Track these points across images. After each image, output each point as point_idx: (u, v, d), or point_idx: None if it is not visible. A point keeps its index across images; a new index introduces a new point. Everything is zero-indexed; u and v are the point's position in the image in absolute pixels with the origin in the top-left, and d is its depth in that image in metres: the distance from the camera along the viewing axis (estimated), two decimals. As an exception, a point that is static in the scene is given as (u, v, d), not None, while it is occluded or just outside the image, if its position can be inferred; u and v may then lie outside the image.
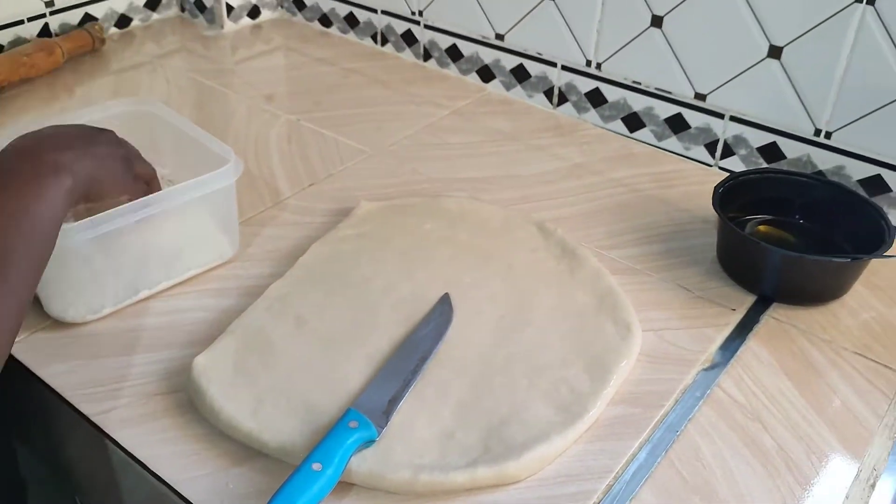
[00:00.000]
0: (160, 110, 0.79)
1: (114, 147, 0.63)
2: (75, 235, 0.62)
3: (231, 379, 0.60)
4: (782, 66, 0.85)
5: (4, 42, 1.09)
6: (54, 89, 1.07)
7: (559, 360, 0.64)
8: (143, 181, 0.66)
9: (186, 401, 0.61)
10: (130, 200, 0.65)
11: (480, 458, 0.56)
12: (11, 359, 0.65)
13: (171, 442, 0.58)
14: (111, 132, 0.64)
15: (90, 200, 0.61)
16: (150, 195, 0.66)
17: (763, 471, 0.58)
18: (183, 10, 1.30)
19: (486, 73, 1.11)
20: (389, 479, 0.54)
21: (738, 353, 0.68)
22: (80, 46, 1.13)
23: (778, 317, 0.72)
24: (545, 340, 0.66)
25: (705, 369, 0.66)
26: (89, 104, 1.03)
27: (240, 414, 0.58)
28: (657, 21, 0.92)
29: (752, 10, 0.85)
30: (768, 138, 0.89)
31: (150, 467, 0.56)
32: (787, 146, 0.88)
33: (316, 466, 0.51)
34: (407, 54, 1.19)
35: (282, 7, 1.32)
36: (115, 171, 0.62)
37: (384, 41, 1.21)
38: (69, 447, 0.70)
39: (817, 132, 0.86)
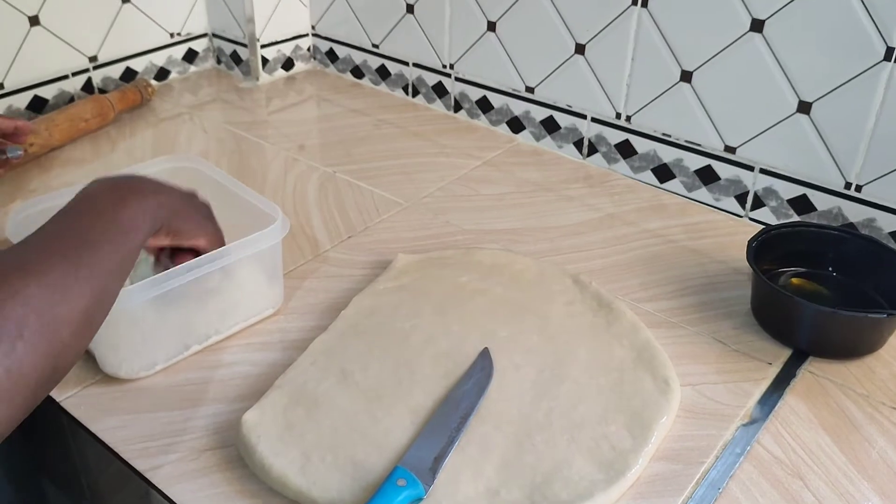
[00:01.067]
0: (203, 166, 0.82)
1: (199, 198, 0.67)
2: (131, 297, 0.64)
3: (279, 434, 0.62)
4: (811, 121, 0.87)
5: (49, 97, 1.13)
6: (97, 143, 1.10)
7: (599, 415, 0.65)
8: (219, 235, 0.70)
9: (236, 456, 0.62)
10: (208, 247, 0.68)
11: (526, 517, 0.56)
12: (62, 411, 0.67)
13: (221, 498, 0.59)
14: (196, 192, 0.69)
15: (172, 233, 0.63)
16: (203, 255, 0.68)
17: (806, 529, 0.58)
18: (219, 62, 1.34)
19: (516, 125, 1.13)
20: (437, 537, 0.55)
21: (777, 408, 0.69)
22: (130, 104, 1.16)
23: (814, 371, 0.73)
24: (584, 395, 0.67)
25: (744, 425, 0.67)
26: (133, 157, 1.06)
27: (289, 470, 0.59)
28: (686, 76, 0.94)
29: (781, 67, 0.86)
30: (798, 191, 0.91)
31: (202, 523, 0.57)
32: (817, 199, 0.90)
33: (367, 525, 0.52)
34: (438, 105, 1.21)
35: (315, 59, 1.36)
36: (197, 211, 0.66)
37: (415, 92, 1.24)
38: (116, 501, 0.71)
39: (847, 185, 0.87)
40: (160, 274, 0.65)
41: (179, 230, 0.64)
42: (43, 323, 0.46)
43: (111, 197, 0.57)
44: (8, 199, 0.96)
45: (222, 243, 0.69)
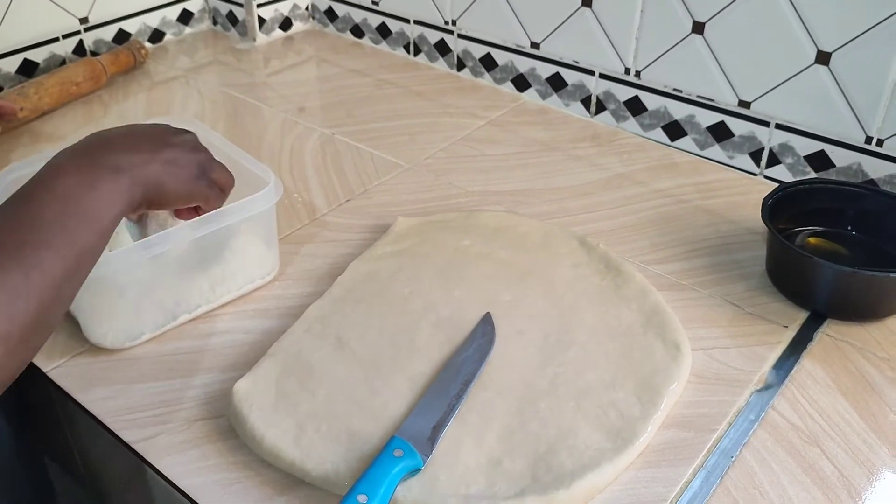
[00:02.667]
0: (199, 129, 0.78)
1: (188, 152, 0.59)
2: (113, 264, 0.62)
3: (272, 404, 0.59)
4: (831, 72, 0.82)
5: (40, 60, 1.10)
6: (90, 106, 1.07)
7: (606, 382, 0.62)
8: (219, 188, 0.63)
9: (228, 426, 0.60)
10: (202, 209, 0.63)
11: (529, 488, 0.54)
12: (50, 382, 0.65)
13: (212, 470, 0.57)
14: (191, 135, 0.62)
15: (155, 206, 0.58)
16: (189, 221, 0.64)
17: (823, 497, 0.56)
18: (215, 23, 1.30)
19: (521, 83, 1.09)
20: (436, 510, 0.53)
21: (793, 372, 0.66)
22: (123, 67, 1.13)
23: (832, 333, 0.70)
24: (591, 361, 0.64)
25: (759, 390, 0.64)
26: (125, 121, 1.03)
27: (282, 441, 0.57)
28: (698, 27, 0.90)
29: (798, 15, 0.82)
30: (816, 146, 0.87)
31: (192, 496, 0.55)
32: (836, 154, 0.86)
33: (362, 498, 0.50)
34: (440, 64, 1.17)
35: (313, 18, 1.31)
36: (182, 178, 0.58)
37: (417, 51, 1.20)
38: (108, 473, 0.69)
39: (868, 139, 0.83)
40: (143, 239, 0.62)
41: (163, 201, 0.58)
42: None
43: (77, 178, 0.51)
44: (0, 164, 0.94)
45: (222, 199, 0.63)
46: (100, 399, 0.63)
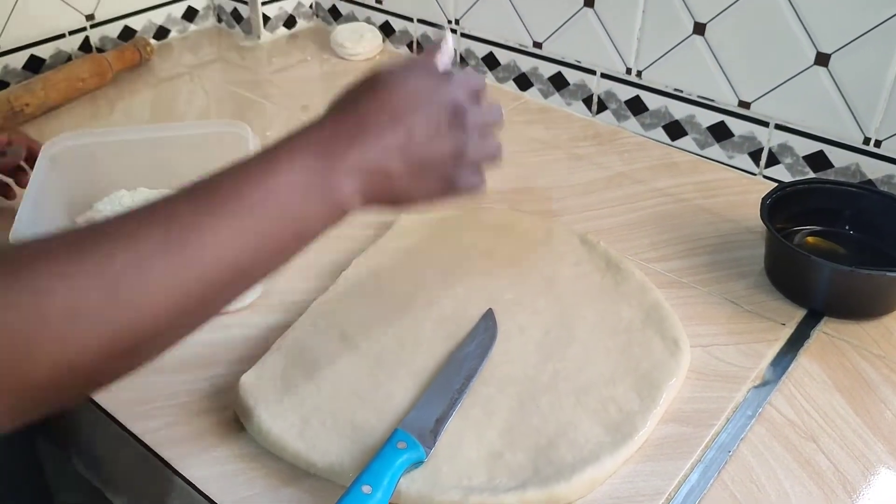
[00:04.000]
0: (245, 132, 0.81)
1: (439, 114, 0.47)
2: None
3: (278, 397, 0.60)
4: (830, 74, 0.83)
5: (46, 56, 1.11)
6: (95, 103, 1.08)
7: (606, 377, 0.63)
8: (481, 172, 0.52)
9: (234, 419, 0.61)
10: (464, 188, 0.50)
11: (530, 480, 0.55)
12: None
13: (218, 461, 0.58)
14: (461, 91, 0.49)
15: (391, 204, 0.48)
16: None
17: (819, 492, 0.57)
18: (220, 20, 1.31)
19: (523, 82, 1.10)
20: (438, 502, 0.54)
21: (790, 369, 0.67)
22: (128, 64, 1.14)
23: (829, 331, 0.71)
24: (591, 357, 0.65)
25: (756, 386, 0.65)
26: (131, 118, 1.04)
27: (288, 433, 0.57)
28: (699, 28, 0.91)
29: (798, 16, 0.83)
30: (815, 147, 0.88)
31: (199, 487, 0.56)
32: (834, 155, 0.87)
33: (366, 489, 0.51)
34: (443, 63, 1.18)
35: (317, 16, 1.32)
36: (431, 186, 0.48)
37: (420, 50, 1.20)
38: (114, 464, 0.70)
39: (866, 140, 0.84)
40: None
41: (395, 203, 0.48)
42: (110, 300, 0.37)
43: (294, 180, 0.42)
44: (5, 161, 0.94)
45: (481, 185, 0.53)
46: (108, 391, 0.64)
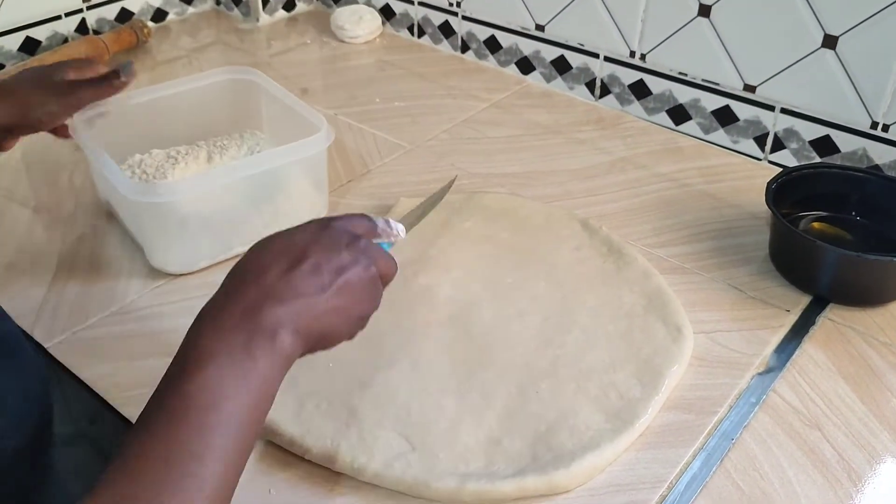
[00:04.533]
0: (259, 78, 0.84)
1: (359, 274, 0.48)
2: (178, 191, 0.67)
3: (272, 382, 0.59)
4: (837, 57, 0.82)
5: (42, 38, 1.09)
6: (92, 85, 1.06)
7: (607, 363, 0.62)
8: (384, 284, 0.52)
9: (227, 404, 0.60)
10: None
11: (528, 467, 0.54)
12: (54, 361, 0.65)
13: (212, 446, 0.57)
14: (361, 243, 0.49)
15: (320, 349, 0.48)
16: (252, 157, 0.70)
17: (823, 481, 0.56)
18: (218, 3, 1.30)
19: (525, 65, 1.08)
20: (434, 488, 0.53)
21: (794, 356, 0.66)
22: (125, 46, 1.12)
23: (834, 318, 0.70)
24: (592, 343, 0.64)
25: (760, 374, 0.64)
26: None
27: (282, 417, 0.56)
28: (705, 10, 0.89)
29: (806, -3, 0.81)
30: (821, 131, 0.86)
31: (192, 472, 0.55)
32: (841, 139, 0.85)
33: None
34: (444, 46, 1.17)
35: (317, -1, 1.31)
36: (354, 315, 0.49)
37: (421, 33, 1.19)
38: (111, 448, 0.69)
39: (874, 125, 0.82)
40: (203, 172, 0.70)
41: (328, 347, 0.48)
42: None
43: (229, 367, 0.42)
44: None
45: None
46: (101, 376, 0.63)
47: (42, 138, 0.94)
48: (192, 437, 0.40)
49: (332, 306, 0.46)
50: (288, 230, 0.49)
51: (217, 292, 0.46)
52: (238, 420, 0.41)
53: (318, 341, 0.47)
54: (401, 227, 0.55)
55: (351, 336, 0.50)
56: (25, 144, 0.93)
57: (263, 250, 0.47)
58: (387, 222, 0.54)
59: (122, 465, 0.39)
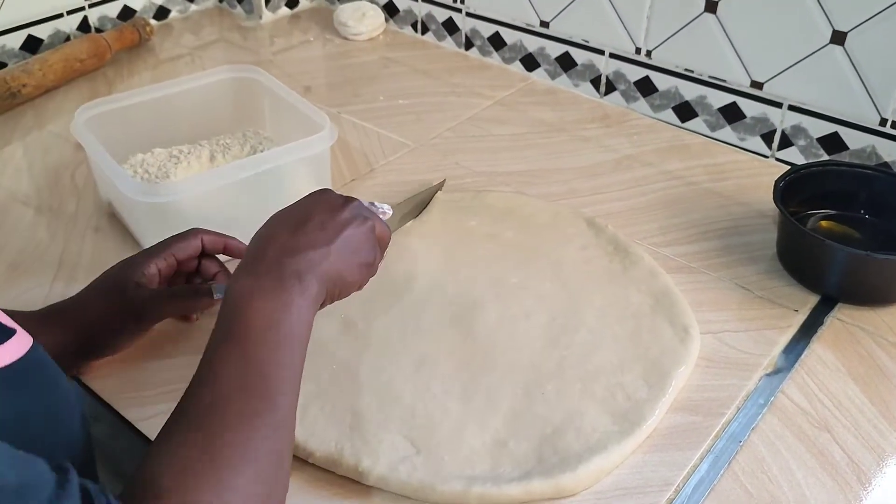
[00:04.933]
0: (262, 76, 0.84)
1: (359, 226, 0.54)
2: (180, 190, 0.66)
3: (276, 384, 0.59)
4: (846, 53, 0.81)
5: (44, 36, 1.09)
6: (94, 83, 1.06)
7: (614, 364, 0.62)
8: (381, 248, 0.57)
9: (230, 406, 0.59)
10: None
11: (535, 470, 0.53)
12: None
13: (215, 449, 0.56)
14: (355, 203, 0.55)
15: (338, 298, 0.54)
16: (254, 156, 0.69)
17: (833, 483, 0.55)
18: (221, 0, 1.29)
19: (530, 62, 1.08)
20: (440, 491, 0.52)
21: (803, 357, 0.65)
22: (128, 44, 1.12)
23: (843, 318, 0.69)
24: (598, 343, 0.64)
25: (768, 374, 0.63)
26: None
27: (285, 421, 0.56)
28: (711, 6, 0.88)
29: (814, -7, 0.81)
30: (830, 128, 0.85)
31: (195, 476, 0.55)
32: (849, 136, 0.84)
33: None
34: (448, 43, 1.16)
35: (320, -4, 1.30)
36: (360, 261, 0.54)
37: (425, 30, 1.18)
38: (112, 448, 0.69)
39: (883, 122, 0.81)
40: (206, 171, 0.68)
41: (344, 293, 0.54)
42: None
43: (272, 302, 0.47)
44: (3, 143, 0.93)
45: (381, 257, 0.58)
46: (102, 378, 0.62)
47: (42, 136, 0.94)
48: (258, 352, 0.46)
49: (340, 255, 0.52)
50: (289, 205, 0.55)
51: (240, 262, 0.52)
52: (290, 340, 0.47)
53: (335, 286, 0.52)
54: (386, 206, 0.61)
55: (361, 284, 0.55)
56: (27, 143, 0.93)
57: (273, 221, 0.54)
58: (371, 203, 0.59)
59: (202, 383, 0.45)
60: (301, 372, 0.48)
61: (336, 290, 0.52)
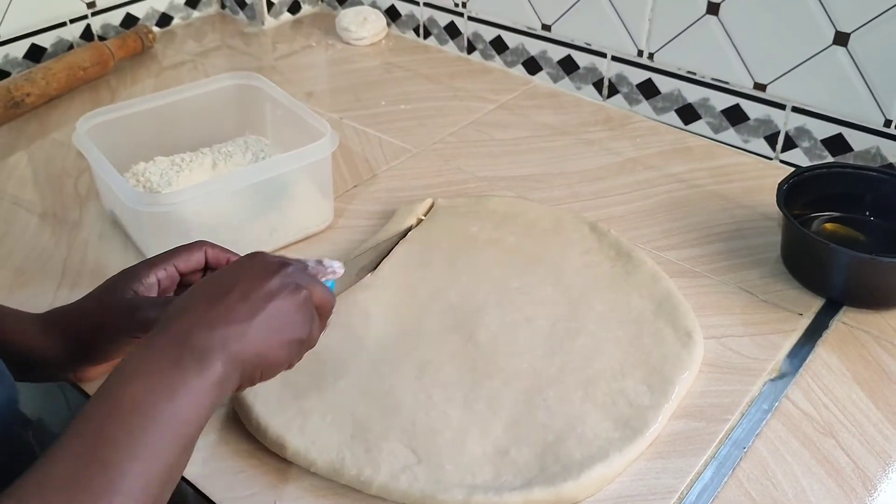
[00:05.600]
0: (263, 84, 0.84)
1: (287, 298, 0.48)
2: (175, 201, 0.66)
3: (277, 392, 0.59)
4: (849, 54, 0.80)
5: (47, 45, 1.09)
6: (97, 91, 1.06)
7: (616, 370, 0.61)
8: (321, 318, 0.52)
9: (233, 414, 0.59)
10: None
11: (536, 479, 0.53)
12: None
13: (217, 458, 0.57)
14: (289, 269, 0.50)
15: (261, 379, 0.48)
16: (255, 164, 0.70)
17: (838, 490, 0.55)
18: (223, 6, 1.29)
19: (532, 65, 1.07)
20: (441, 500, 0.52)
21: (807, 361, 0.64)
22: (131, 52, 1.12)
23: (848, 321, 0.68)
24: (600, 349, 0.63)
25: (772, 379, 0.63)
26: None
27: (287, 431, 0.56)
28: (713, 8, 0.88)
29: (816, -6, 0.80)
30: (834, 130, 0.85)
31: (197, 486, 0.55)
32: (854, 138, 0.84)
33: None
34: (450, 47, 1.16)
35: (322, 2, 1.30)
36: (288, 339, 0.48)
37: (427, 34, 1.18)
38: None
39: (887, 123, 0.81)
40: (206, 181, 0.68)
41: (266, 376, 0.48)
42: None
43: (148, 389, 0.42)
44: (8, 152, 0.93)
45: (322, 327, 0.53)
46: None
47: (46, 144, 0.94)
48: (113, 434, 0.40)
49: (263, 332, 0.46)
50: (218, 270, 0.51)
51: (152, 330, 0.46)
52: (163, 427, 0.41)
53: (255, 368, 0.47)
54: (337, 264, 0.55)
55: (290, 363, 0.50)
56: (31, 151, 0.93)
57: (195, 288, 0.49)
58: (319, 261, 0.54)
59: (48, 453, 0.39)
60: (178, 462, 0.42)
61: (257, 372, 0.47)
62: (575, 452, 0.55)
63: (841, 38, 0.80)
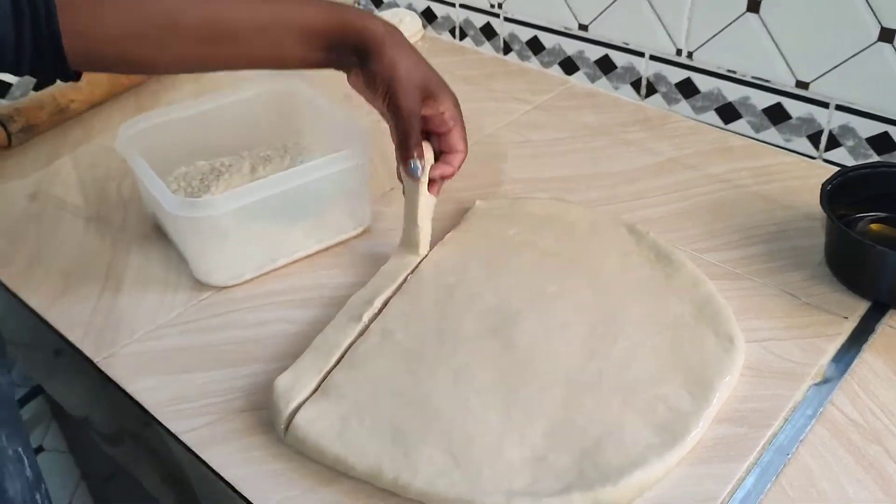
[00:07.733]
0: (301, 87, 0.85)
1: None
2: (217, 206, 0.68)
3: (315, 399, 0.59)
4: (895, 50, 0.78)
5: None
6: (140, 98, 1.08)
7: (655, 375, 0.61)
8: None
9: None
10: (454, 111, 0.71)
11: (575, 484, 0.53)
12: (95, 369, 0.66)
13: (256, 461, 0.57)
14: None
15: (429, 96, 0.70)
16: (288, 171, 0.71)
17: (886, 499, 0.53)
18: (261, 11, 1.30)
19: (569, 66, 1.07)
20: (479, 505, 0.52)
21: (853, 366, 0.63)
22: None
23: (895, 325, 0.67)
24: (639, 354, 0.63)
25: (817, 384, 0.62)
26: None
27: (325, 438, 0.56)
28: (754, 5, 0.86)
29: (861, -10, 0.78)
30: (879, 128, 0.83)
31: (237, 488, 0.56)
32: (900, 136, 0.82)
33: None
34: (486, 48, 1.16)
35: (358, 4, 1.31)
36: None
37: (462, 35, 1.18)
38: (167, 464, 0.70)
39: (936, 120, 0.79)
40: (242, 187, 0.69)
41: (435, 93, 0.68)
42: None
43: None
44: (53, 157, 0.95)
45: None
46: (147, 389, 0.63)
47: (90, 149, 0.96)
48: None
49: None
50: None
51: None
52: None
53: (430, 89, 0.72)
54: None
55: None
56: (76, 156, 0.95)
57: None
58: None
59: None
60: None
61: (430, 88, 0.74)
62: (614, 458, 0.54)
63: (887, 35, 0.78)
